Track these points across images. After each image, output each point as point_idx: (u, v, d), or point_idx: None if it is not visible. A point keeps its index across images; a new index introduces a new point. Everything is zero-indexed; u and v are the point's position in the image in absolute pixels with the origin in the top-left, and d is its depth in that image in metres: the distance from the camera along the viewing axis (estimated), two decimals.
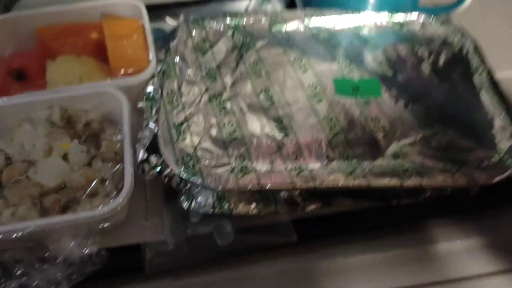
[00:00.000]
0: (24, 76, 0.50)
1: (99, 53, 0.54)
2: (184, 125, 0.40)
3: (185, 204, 0.38)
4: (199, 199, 0.38)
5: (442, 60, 0.46)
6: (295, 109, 0.41)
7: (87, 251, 0.37)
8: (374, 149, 0.39)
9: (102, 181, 0.42)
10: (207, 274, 0.40)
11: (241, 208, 0.38)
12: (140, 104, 0.47)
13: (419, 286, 0.39)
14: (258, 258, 0.41)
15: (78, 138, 0.45)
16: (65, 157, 0.43)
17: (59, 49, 0.53)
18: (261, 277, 0.40)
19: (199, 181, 0.36)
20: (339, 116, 0.40)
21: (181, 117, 0.41)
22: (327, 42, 0.47)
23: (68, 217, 0.36)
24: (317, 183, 0.36)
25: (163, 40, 0.53)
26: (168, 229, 0.40)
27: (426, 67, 0.45)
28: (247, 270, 0.40)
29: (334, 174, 0.36)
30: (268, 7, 0.58)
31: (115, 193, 0.41)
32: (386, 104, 0.41)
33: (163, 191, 0.42)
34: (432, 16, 0.49)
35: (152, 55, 0.50)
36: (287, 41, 0.47)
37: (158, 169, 0.39)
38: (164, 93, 0.43)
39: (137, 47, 0.52)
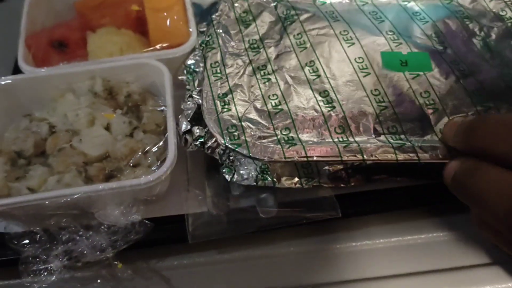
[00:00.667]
0: (65, 46, 0.50)
1: (138, 26, 0.53)
2: (229, 96, 0.40)
3: (227, 176, 0.38)
4: (242, 171, 0.38)
5: (494, 35, 0.44)
6: (341, 83, 0.40)
7: (131, 219, 0.38)
8: (423, 124, 0.37)
9: (145, 152, 0.42)
10: (249, 248, 0.40)
11: (284, 181, 0.38)
12: (181, 77, 0.46)
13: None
14: (299, 233, 0.40)
15: (120, 109, 0.45)
16: (107, 127, 0.43)
17: (99, 21, 0.53)
18: (298, 254, 0.40)
19: (245, 151, 0.36)
20: (387, 90, 0.39)
21: (225, 88, 0.41)
22: (373, 15, 0.45)
23: (114, 184, 0.37)
24: (365, 157, 0.35)
25: (201, 14, 0.53)
26: (210, 201, 0.39)
27: (477, 42, 0.43)
28: (288, 244, 0.40)
29: (382, 148, 0.36)
30: None
31: (157, 164, 0.41)
32: (437, 78, 0.40)
33: (204, 163, 0.42)
34: None
35: (192, 28, 0.49)
36: (332, 14, 0.46)
37: (201, 140, 0.39)
38: (208, 64, 0.43)
39: (177, 20, 0.51)
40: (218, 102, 0.39)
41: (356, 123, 0.37)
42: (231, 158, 0.38)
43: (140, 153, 0.41)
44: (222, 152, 0.38)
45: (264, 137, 0.37)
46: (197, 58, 0.46)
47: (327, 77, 0.40)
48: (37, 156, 0.42)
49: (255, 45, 0.44)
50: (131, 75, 0.46)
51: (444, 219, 0.40)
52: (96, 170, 0.40)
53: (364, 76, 0.40)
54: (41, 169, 0.40)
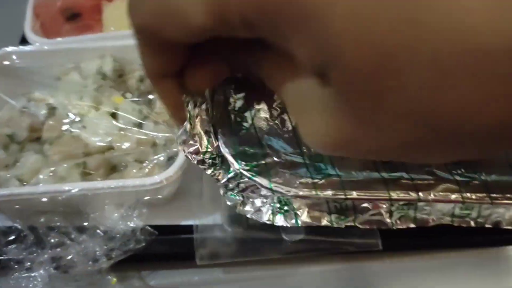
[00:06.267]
0: (78, 16, 0.45)
1: None
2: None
3: (239, 208, 0.30)
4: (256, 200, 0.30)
5: None
6: None
7: (131, 224, 0.32)
8: None
9: (153, 145, 0.36)
10: (261, 269, 0.34)
11: (308, 218, 0.30)
12: None
13: None
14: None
15: (130, 94, 0.39)
16: (113, 115, 0.37)
17: None
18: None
19: (264, 182, 0.28)
20: None
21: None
22: None
23: (115, 183, 0.31)
24: (421, 195, 0.28)
25: None
26: (226, 214, 0.34)
27: None
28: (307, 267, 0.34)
29: (442, 185, 0.29)
30: None
31: (165, 161, 0.35)
32: None
33: None
34: None
35: None
36: None
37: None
38: None
39: None
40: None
41: None
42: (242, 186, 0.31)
43: (147, 146, 0.36)
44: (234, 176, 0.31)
45: (291, 165, 0.30)
46: None
47: None
48: (32, 141, 0.36)
49: None
50: None
51: None
52: (97, 163, 0.35)
53: None
54: (34, 157, 0.35)
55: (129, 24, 0.16)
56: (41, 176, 0.34)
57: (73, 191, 0.31)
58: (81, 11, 0.45)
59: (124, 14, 0.44)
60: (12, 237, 0.32)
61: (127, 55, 0.40)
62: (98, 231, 0.33)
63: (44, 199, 0.32)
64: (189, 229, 0.33)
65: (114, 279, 0.31)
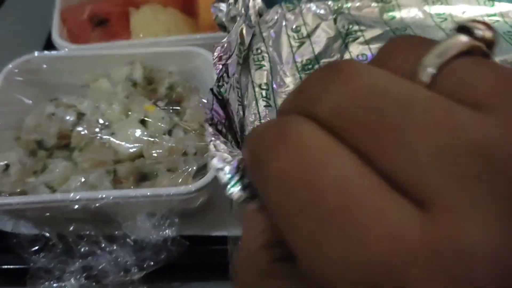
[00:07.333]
0: (105, 23, 0.44)
1: (186, 4, 0.47)
2: None
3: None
4: None
5: None
6: None
7: (164, 234, 0.31)
8: None
9: (183, 154, 0.36)
10: None
11: None
12: None
13: None
14: None
15: (161, 101, 0.39)
16: (143, 122, 0.37)
17: None
18: None
19: None
20: None
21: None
22: None
23: (150, 191, 0.30)
24: None
25: None
26: None
27: None
28: None
29: None
30: None
31: (194, 169, 0.35)
32: None
33: None
34: None
35: None
36: (405, 32, 0.38)
37: None
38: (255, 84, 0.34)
39: None
40: None
41: None
42: None
43: (178, 155, 0.35)
44: None
45: None
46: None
47: None
48: (60, 148, 0.36)
49: (310, 66, 0.35)
50: (175, 63, 0.40)
51: None
52: (127, 171, 0.34)
53: None
54: (63, 164, 0.34)
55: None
56: (71, 184, 0.33)
57: (106, 199, 0.30)
58: (109, 18, 0.45)
59: (151, 21, 0.44)
60: (39, 246, 0.32)
61: (156, 62, 0.40)
62: (128, 240, 0.32)
63: (76, 207, 0.31)
64: (220, 239, 0.32)
65: None
